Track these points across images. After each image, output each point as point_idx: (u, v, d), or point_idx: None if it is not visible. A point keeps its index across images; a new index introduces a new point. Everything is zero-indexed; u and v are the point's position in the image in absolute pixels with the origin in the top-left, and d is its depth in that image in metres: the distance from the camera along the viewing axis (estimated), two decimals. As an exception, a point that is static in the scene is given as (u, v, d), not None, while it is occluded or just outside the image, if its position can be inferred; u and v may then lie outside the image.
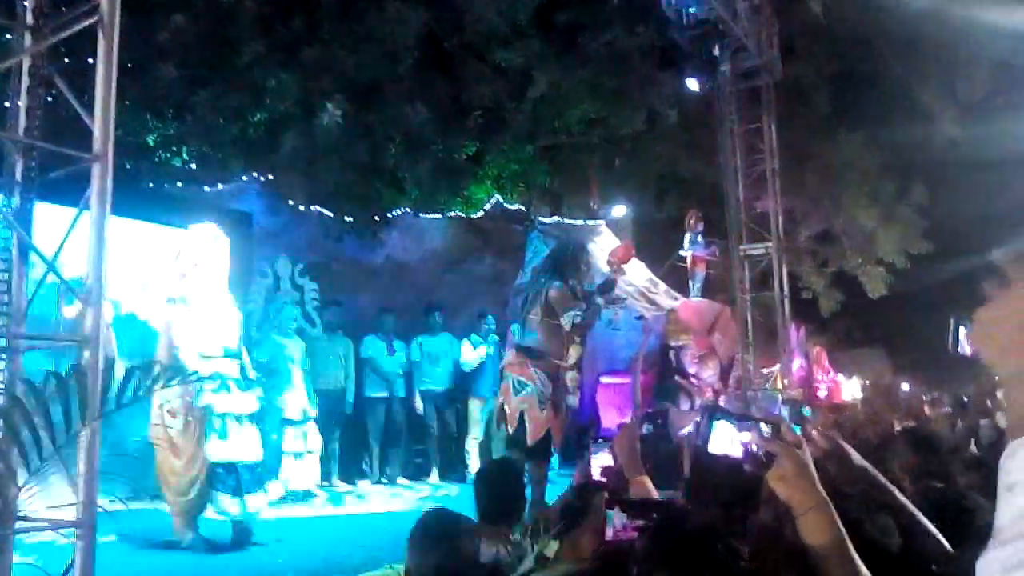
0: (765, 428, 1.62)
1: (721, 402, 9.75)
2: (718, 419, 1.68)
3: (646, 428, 2.86)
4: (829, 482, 1.59)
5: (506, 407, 5.94)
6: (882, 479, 1.82)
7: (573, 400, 6.12)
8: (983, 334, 0.99)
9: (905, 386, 18.69)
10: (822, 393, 11.80)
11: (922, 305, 15.58)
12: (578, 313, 5.83)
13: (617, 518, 2.28)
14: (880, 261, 14.75)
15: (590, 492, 2.41)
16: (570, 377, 6.00)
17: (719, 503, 1.63)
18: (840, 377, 14.82)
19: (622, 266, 6.49)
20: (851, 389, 15.40)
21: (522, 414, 5.80)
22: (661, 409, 6.41)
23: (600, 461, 3.18)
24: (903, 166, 14.10)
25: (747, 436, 1.63)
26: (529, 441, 5.75)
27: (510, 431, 5.93)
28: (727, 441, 1.66)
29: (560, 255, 6.33)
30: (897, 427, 7.29)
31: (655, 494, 2.38)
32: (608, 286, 6.27)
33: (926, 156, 13.93)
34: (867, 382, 16.78)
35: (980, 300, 0.96)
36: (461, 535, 2.31)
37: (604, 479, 2.80)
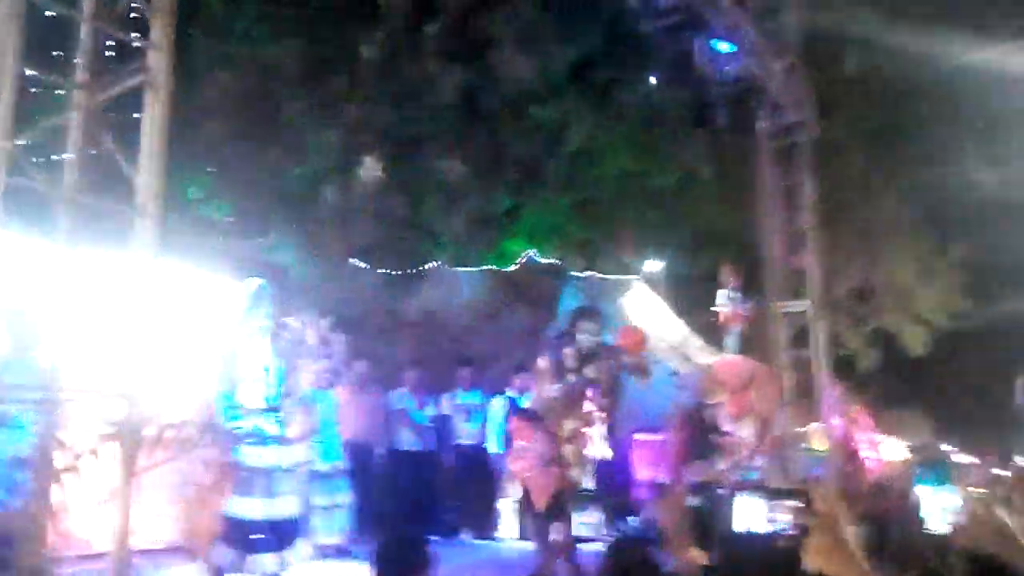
0: (795, 503, 1.55)
1: (756, 463, 9.50)
2: (741, 495, 1.62)
3: (695, 499, 2.78)
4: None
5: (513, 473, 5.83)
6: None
7: (575, 474, 5.84)
8: None
9: (946, 447, 18.12)
10: (864, 453, 11.47)
11: (965, 363, 15.19)
12: (556, 387, 5.72)
13: None
14: (919, 319, 14.45)
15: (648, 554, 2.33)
16: (569, 451, 5.76)
17: None
18: (879, 437, 14.40)
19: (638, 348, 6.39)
20: (892, 449, 14.98)
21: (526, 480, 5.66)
22: (707, 478, 6.24)
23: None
24: (942, 221, 13.90)
25: (777, 513, 1.56)
26: (537, 506, 5.59)
27: (517, 497, 5.80)
28: (753, 517, 1.59)
29: (570, 317, 6.34)
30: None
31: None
32: (591, 356, 6.16)
33: (966, 211, 13.72)
34: (909, 443, 16.29)
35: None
36: None
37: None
